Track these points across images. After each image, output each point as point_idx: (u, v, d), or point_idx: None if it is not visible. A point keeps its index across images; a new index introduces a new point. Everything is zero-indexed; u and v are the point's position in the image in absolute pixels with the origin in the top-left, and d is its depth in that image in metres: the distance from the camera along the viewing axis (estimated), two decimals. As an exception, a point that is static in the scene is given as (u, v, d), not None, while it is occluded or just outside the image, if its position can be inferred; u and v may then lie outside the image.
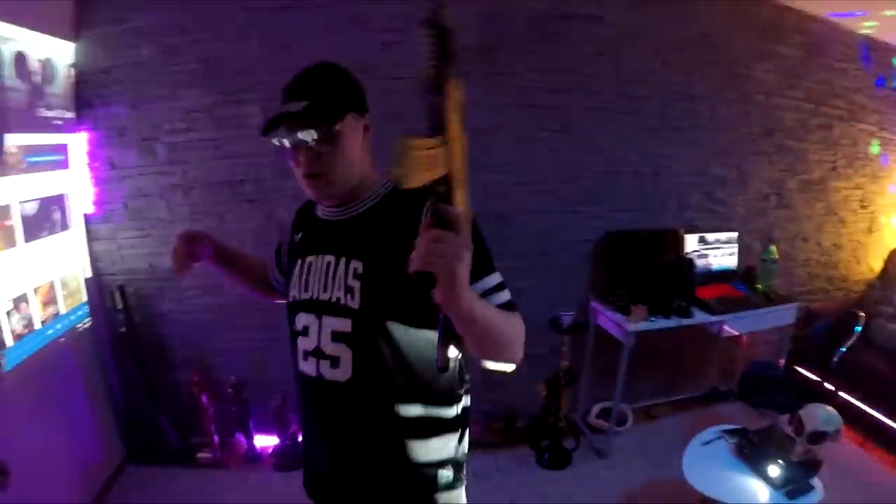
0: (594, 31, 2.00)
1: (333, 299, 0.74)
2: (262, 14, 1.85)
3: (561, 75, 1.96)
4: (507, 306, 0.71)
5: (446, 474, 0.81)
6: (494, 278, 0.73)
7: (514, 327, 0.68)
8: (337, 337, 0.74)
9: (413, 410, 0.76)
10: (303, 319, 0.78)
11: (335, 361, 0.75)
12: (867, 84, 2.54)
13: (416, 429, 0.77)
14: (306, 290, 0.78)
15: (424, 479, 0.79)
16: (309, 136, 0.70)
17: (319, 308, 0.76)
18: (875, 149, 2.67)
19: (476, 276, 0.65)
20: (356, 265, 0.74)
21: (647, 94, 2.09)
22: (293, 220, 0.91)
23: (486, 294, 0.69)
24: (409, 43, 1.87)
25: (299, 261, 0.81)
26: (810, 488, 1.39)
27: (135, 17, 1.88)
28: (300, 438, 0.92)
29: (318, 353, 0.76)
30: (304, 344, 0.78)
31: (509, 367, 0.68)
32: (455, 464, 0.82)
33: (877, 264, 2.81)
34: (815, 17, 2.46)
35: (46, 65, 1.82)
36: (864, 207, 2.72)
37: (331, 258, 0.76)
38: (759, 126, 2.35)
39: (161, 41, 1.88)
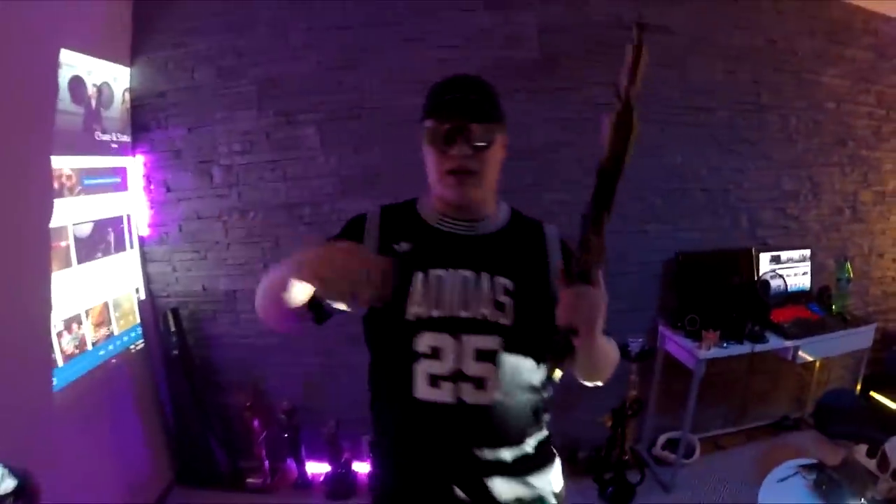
0: (659, 40, 1.93)
1: (479, 316, 0.72)
2: (317, 35, 1.87)
3: (625, 89, 1.91)
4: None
5: None
6: None
7: (615, 350, 0.82)
8: (483, 356, 0.72)
9: (539, 436, 0.79)
10: (431, 339, 0.72)
11: (480, 383, 0.72)
12: (946, 87, 2.41)
13: (541, 457, 0.79)
14: (437, 307, 0.72)
15: None
16: (480, 130, 0.71)
17: (458, 326, 0.72)
18: (956, 157, 2.52)
19: None
20: (504, 282, 0.74)
21: (714, 105, 2.02)
22: (380, 228, 0.80)
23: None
24: (464, 59, 1.86)
25: (419, 274, 0.74)
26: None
27: (191, 41, 1.93)
28: (377, 471, 0.85)
29: (458, 377, 0.71)
30: (432, 368, 0.72)
31: (600, 383, 0.82)
32: (559, 497, 0.82)
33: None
34: (885, 17, 2.35)
35: (103, 89, 1.87)
36: (943, 220, 2.58)
37: (468, 273, 0.74)
38: (830, 135, 2.25)
39: (217, 64, 1.91)
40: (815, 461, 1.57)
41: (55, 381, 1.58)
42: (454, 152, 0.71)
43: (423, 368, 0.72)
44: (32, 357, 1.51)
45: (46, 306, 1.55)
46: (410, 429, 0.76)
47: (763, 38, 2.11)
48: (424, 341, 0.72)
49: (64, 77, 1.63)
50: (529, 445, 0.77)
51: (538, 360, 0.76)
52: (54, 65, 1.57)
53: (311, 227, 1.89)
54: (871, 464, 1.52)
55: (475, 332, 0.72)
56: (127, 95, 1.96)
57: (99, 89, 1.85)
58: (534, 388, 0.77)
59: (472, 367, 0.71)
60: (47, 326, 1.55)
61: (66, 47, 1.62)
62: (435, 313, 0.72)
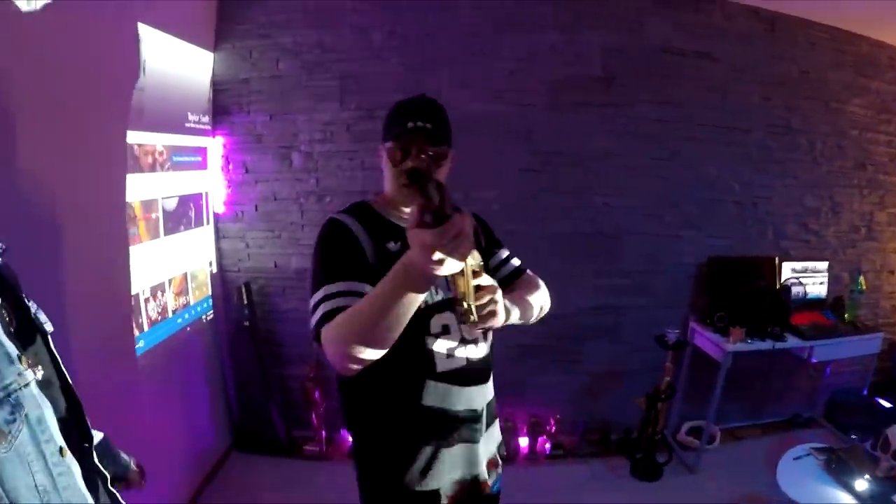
0: (704, 66, 2.33)
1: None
2: (399, 39, 2.21)
3: (671, 107, 2.29)
4: (521, 270, 1.11)
5: None
6: (504, 251, 1.12)
7: (538, 290, 1.06)
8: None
9: None
10: (440, 320, 0.92)
11: (476, 342, 0.97)
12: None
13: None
14: (437, 293, 0.93)
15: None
16: (431, 151, 0.90)
17: (452, 303, 0.92)
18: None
19: (497, 248, 1.11)
20: (470, 260, 0.88)
21: (749, 127, 2.41)
22: (369, 233, 0.91)
23: (507, 259, 1.11)
24: (531, 73, 2.22)
25: None
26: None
27: (276, 33, 2.25)
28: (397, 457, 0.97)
29: (464, 342, 0.95)
30: (446, 343, 0.93)
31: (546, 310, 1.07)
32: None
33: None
34: (908, 53, 2.77)
35: (190, 72, 2.17)
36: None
37: None
38: (852, 160, 2.66)
39: (302, 57, 2.24)
40: (826, 445, 1.94)
41: (141, 343, 1.84)
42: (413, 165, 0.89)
43: (440, 346, 0.92)
44: (117, 324, 1.70)
45: (127, 276, 1.73)
46: (436, 406, 0.93)
47: (797, 68, 2.50)
48: (436, 322, 0.92)
49: (153, 59, 1.83)
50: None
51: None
52: (134, 40, 1.71)
53: (384, 214, 2.23)
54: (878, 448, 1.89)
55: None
56: (210, 80, 2.27)
57: (186, 72, 2.12)
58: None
59: (470, 332, 0.95)
60: (128, 295, 1.74)
61: (154, 27, 1.81)
62: (437, 298, 0.93)
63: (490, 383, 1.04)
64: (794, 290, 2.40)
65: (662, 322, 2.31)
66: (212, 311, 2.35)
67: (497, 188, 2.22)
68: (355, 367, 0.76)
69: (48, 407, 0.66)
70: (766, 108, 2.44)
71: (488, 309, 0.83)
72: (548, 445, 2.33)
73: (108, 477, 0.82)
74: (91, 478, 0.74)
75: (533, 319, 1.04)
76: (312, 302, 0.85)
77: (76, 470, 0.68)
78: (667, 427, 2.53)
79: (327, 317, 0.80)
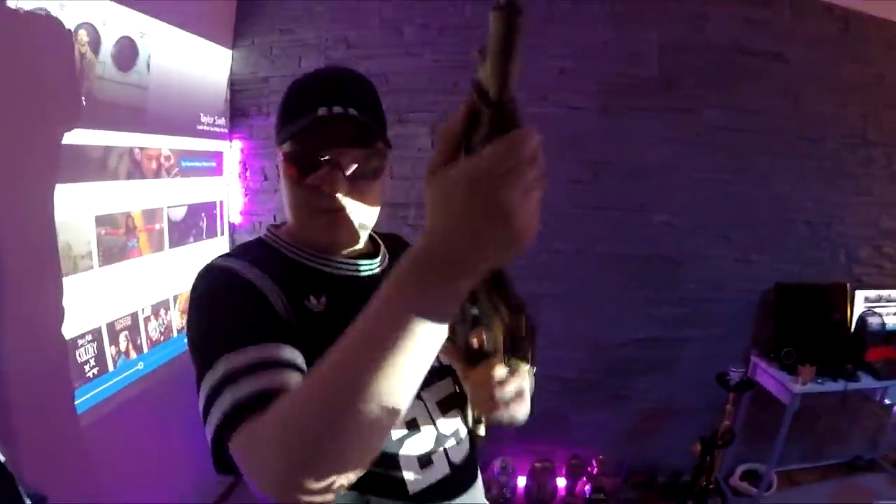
0: (774, 68, 2.06)
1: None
2: (433, 33, 1.97)
3: (740, 114, 2.03)
4: None
5: None
6: None
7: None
8: (445, 405, 0.64)
9: None
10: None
11: (457, 434, 0.65)
12: None
13: None
14: None
15: None
16: (363, 157, 0.59)
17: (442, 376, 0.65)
18: None
19: None
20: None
21: (823, 137, 2.13)
22: (278, 285, 0.58)
23: None
24: (587, 71, 1.97)
25: None
26: None
27: (298, 28, 2.03)
28: None
29: (441, 439, 0.63)
30: (417, 445, 0.60)
31: None
32: None
33: None
34: None
35: (204, 70, 1.96)
36: None
37: None
38: (930, 176, 2.37)
39: (326, 54, 2.02)
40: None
41: (141, 365, 1.66)
42: (326, 187, 0.58)
43: (407, 451, 0.59)
44: (50, 370, 1.31)
45: (59, 313, 1.30)
46: None
47: (872, 71, 2.22)
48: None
49: (164, 56, 1.64)
50: None
51: None
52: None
53: (414, 230, 1.99)
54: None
55: (427, 384, 0.59)
56: (227, 79, 2.06)
57: (200, 70, 1.93)
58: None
59: (445, 423, 0.63)
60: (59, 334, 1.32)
61: (169, 22, 1.63)
62: None
63: (479, 480, 0.69)
64: (871, 321, 2.12)
65: (721, 355, 2.05)
66: (223, 330, 2.15)
67: (544, 202, 1.94)
68: (311, 499, 0.37)
69: None
70: (841, 116, 2.16)
71: (508, 416, 0.54)
72: (587, 488, 2.09)
73: None
74: None
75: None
76: (204, 393, 0.49)
77: None
78: (719, 471, 2.27)
79: (237, 415, 0.44)
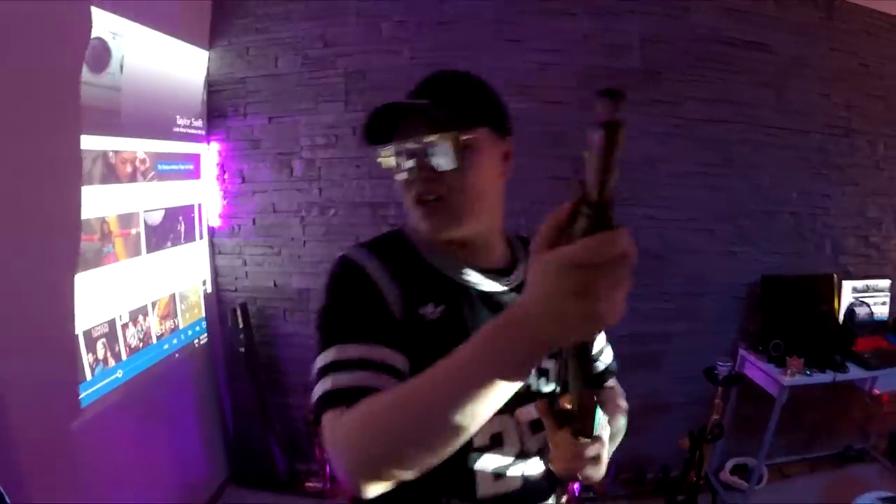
0: (757, 58, 2.04)
1: (525, 386, 0.65)
2: (411, 29, 1.94)
3: (723, 105, 2.00)
4: (611, 371, 0.81)
5: None
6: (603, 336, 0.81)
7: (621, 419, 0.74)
8: (538, 426, 0.65)
9: None
10: (489, 426, 0.51)
11: (541, 454, 0.68)
12: None
13: None
14: None
15: None
16: (428, 142, 0.58)
17: (511, 402, 0.53)
18: None
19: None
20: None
21: (807, 127, 2.11)
22: (399, 285, 0.62)
23: (601, 352, 0.80)
24: (567, 65, 1.94)
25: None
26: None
27: (274, 27, 1.99)
28: None
29: (521, 456, 0.66)
30: (496, 460, 0.63)
31: None
32: None
33: None
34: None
35: (180, 72, 1.93)
36: None
37: None
38: (916, 164, 2.36)
39: (303, 52, 1.98)
40: (893, 494, 1.68)
41: (119, 373, 1.63)
42: (413, 176, 0.60)
43: (485, 464, 0.63)
44: (58, 366, 1.39)
45: (68, 318, 1.40)
46: None
47: (856, 60, 2.20)
48: (483, 430, 0.50)
49: (139, 57, 1.62)
50: None
51: None
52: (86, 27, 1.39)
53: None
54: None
55: (524, 403, 0.65)
56: (204, 80, 2.03)
57: (176, 72, 1.89)
58: None
59: (532, 443, 0.67)
60: (71, 332, 1.42)
61: (145, 24, 1.61)
62: None
63: (553, 496, 0.72)
64: (859, 311, 2.11)
65: (708, 350, 2.03)
66: (206, 335, 2.11)
67: (525, 199, 1.92)
68: (376, 487, 0.47)
69: None
70: (825, 106, 2.14)
71: (583, 476, 0.55)
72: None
73: None
74: None
75: None
76: (315, 367, 0.57)
77: None
78: (709, 465, 2.26)
79: (334, 398, 0.52)
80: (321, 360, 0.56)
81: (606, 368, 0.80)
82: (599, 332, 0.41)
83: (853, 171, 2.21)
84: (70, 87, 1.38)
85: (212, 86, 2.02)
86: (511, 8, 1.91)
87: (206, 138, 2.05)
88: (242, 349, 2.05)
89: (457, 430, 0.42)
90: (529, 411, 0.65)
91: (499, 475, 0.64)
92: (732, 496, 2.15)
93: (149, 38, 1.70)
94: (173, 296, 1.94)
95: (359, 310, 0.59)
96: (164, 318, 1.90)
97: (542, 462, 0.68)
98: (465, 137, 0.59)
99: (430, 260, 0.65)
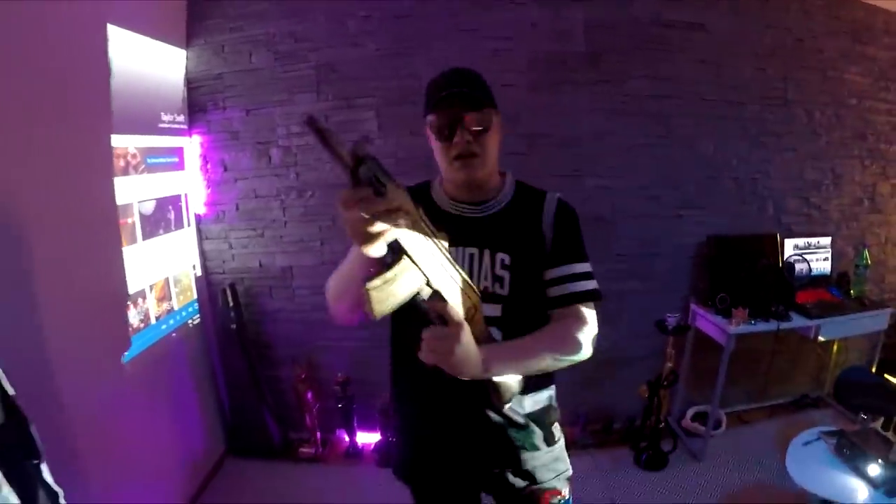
0: (695, 38, 2.22)
1: (482, 287, 0.89)
2: (375, 23, 2.11)
3: (664, 83, 2.19)
4: (584, 296, 0.92)
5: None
6: (581, 266, 0.93)
7: (555, 342, 0.87)
8: (488, 322, 0.87)
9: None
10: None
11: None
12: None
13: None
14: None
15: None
16: (475, 117, 0.86)
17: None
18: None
19: (562, 260, 0.92)
20: (503, 257, 0.91)
21: (745, 100, 2.30)
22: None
23: (568, 279, 0.91)
24: (514, 51, 2.11)
25: None
26: (909, 487, 1.51)
27: (247, 25, 2.15)
28: (402, 426, 1.07)
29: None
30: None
31: (578, 360, 0.88)
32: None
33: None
34: (905, 18, 2.65)
35: (161, 71, 2.08)
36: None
37: (473, 251, 0.92)
38: (851, 130, 2.55)
39: (275, 48, 2.14)
40: (836, 428, 1.85)
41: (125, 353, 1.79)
42: (457, 140, 0.86)
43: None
44: (107, 330, 1.71)
45: (122, 280, 1.76)
46: (432, 388, 0.91)
47: (791, 37, 2.39)
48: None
49: (125, 59, 1.78)
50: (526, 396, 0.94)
51: (533, 322, 0.89)
52: (102, 41, 1.67)
53: (368, 207, 2.13)
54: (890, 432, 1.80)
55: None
56: (184, 77, 2.18)
57: (158, 71, 2.04)
58: None
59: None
60: (123, 299, 1.77)
61: (125, 27, 1.76)
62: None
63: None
64: (798, 267, 2.30)
65: (663, 306, 2.21)
66: (198, 316, 2.27)
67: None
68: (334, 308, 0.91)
69: None
70: (761, 79, 2.32)
71: (433, 350, 0.72)
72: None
73: (61, 493, 0.77)
74: (37, 496, 0.70)
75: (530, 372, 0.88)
76: None
77: (12, 499, 0.64)
78: (671, 414, 2.44)
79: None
80: None
81: (569, 294, 0.92)
82: (362, 242, 0.63)
83: (791, 138, 2.40)
84: (103, 94, 1.69)
85: (191, 82, 2.18)
86: (465, 1, 2.08)
87: (189, 132, 2.20)
88: (234, 326, 2.21)
89: (350, 275, 0.81)
90: (484, 309, 0.84)
91: None
92: (693, 442, 2.34)
93: (130, 41, 1.84)
94: (167, 279, 2.10)
95: None
96: (160, 300, 2.05)
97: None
98: (489, 112, 0.88)
99: (434, 197, 0.98)
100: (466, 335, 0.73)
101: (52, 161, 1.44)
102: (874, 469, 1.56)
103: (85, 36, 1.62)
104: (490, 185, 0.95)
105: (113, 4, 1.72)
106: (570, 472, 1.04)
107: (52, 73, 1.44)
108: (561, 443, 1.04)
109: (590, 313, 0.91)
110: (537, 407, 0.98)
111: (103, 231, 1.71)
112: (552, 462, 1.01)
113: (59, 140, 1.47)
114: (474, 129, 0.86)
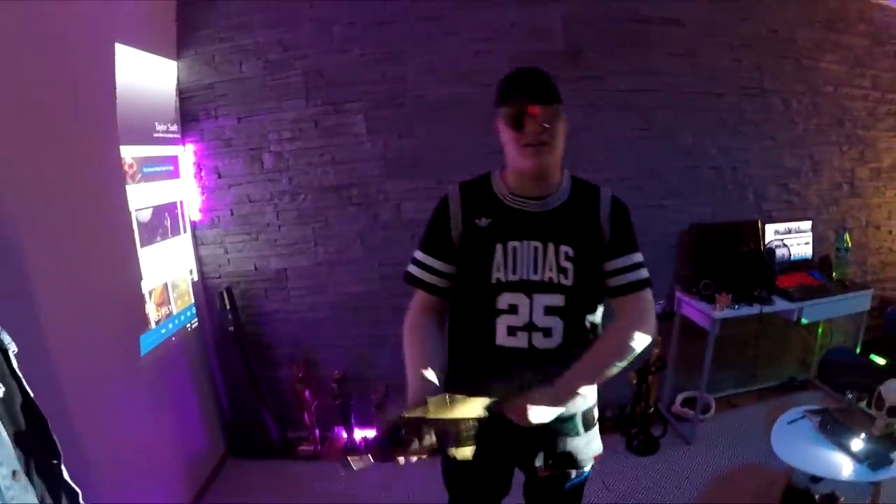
0: (671, 32, 2.29)
1: (546, 279, 0.98)
2: (360, 30, 2.17)
3: (642, 77, 2.26)
4: (644, 283, 1.02)
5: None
6: (637, 256, 1.04)
7: (620, 344, 0.97)
8: (550, 311, 0.98)
9: None
10: (509, 298, 0.98)
11: (548, 332, 0.98)
12: (935, 69, 2.79)
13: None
14: (514, 272, 0.98)
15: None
16: (545, 110, 0.93)
17: (530, 287, 0.97)
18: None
19: (621, 251, 1.03)
20: (566, 249, 0.98)
21: (722, 91, 2.37)
22: (462, 207, 1.02)
23: (628, 269, 1.02)
24: (496, 51, 2.18)
25: (499, 246, 0.99)
26: (891, 461, 1.55)
27: (237, 35, 2.22)
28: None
29: (530, 327, 0.98)
30: (510, 321, 0.98)
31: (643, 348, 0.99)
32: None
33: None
34: (879, 5, 2.72)
35: (153, 82, 2.15)
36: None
37: (537, 244, 0.98)
38: (828, 117, 2.62)
39: (265, 57, 2.21)
40: (820, 407, 1.92)
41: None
42: (530, 128, 0.93)
43: (503, 321, 0.98)
44: (119, 331, 1.80)
45: (136, 281, 1.90)
46: (491, 369, 0.99)
47: (766, 28, 2.46)
48: (504, 300, 0.98)
49: (122, 72, 1.86)
50: None
51: (593, 312, 1.03)
52: (110, 58, 1.80)
53: (358, 207, 2.20)
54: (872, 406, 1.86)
55: (544, 291, 0.97)
56: (176, 88, 2.25)
57: (152, 82, 2.11)
58: (587, 335, 1.03)
59: (542, 320, 0.98)
60: (138, 299, 1.90)
61: (119, 42, 1.84)
62: (512, 277, 0.98)
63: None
64: (779, 252, 2.37)
65: (648, 294, 2.28)
66: (196, 319, 2.33)
67: (467, 171, 2.13)
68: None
69: (3, 427, 0.65)
70: (737, 70, 2.40)
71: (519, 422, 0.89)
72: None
73: (80, 493, 0.81)
74: (57, 494, 0.73)
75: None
76: (414, 255, 1.08)
77: (31, 493, 0.67)
78: (661, 400, 2.51)
79: (410, 278, 1.07)
80: (414, 253, 1.08)
81: (628, 284, 1.02)
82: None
83: (769, 127, 2.47)
84: (111, 108, 1.82)
85: (183, 93, 2.24)
86: (446, 3, 2.15)
87: (182, 141, 2.27)
88: (231, 328, 2.27)
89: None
90: (547, 299, 0.98)
91: (511, 332, 0.99)
92: (682, 426, 2.40)
93: (126, 54, 1.90)
94: (166, 285, 2.16)
95: (431, 230, 1.06)
96: (159, 305, 2.12)
97: (548, 340, 0.99)
98: (557, 107, 0.96)
99: (495, 190, 1.04)
100: (528, 399, 0.88)
101: (64, 169, 1.54)
102: (857, 444, 1.62)
103: (98, 54, 1.76)
104: (554, 178, 1.01)
105: (119, 24, 1.84)
106: (601, 450, 1.13)
107: (78, 89, 1.62)
108: (596, 425, 1.13)
109: (650, 299, 1.03)
110: (585, 402, 1.07)
111: (119, 234, 1.86)
112: (586, 444, 1.08)
113: (78, 150, 1.63)
114: (544, 121, 0.93)
